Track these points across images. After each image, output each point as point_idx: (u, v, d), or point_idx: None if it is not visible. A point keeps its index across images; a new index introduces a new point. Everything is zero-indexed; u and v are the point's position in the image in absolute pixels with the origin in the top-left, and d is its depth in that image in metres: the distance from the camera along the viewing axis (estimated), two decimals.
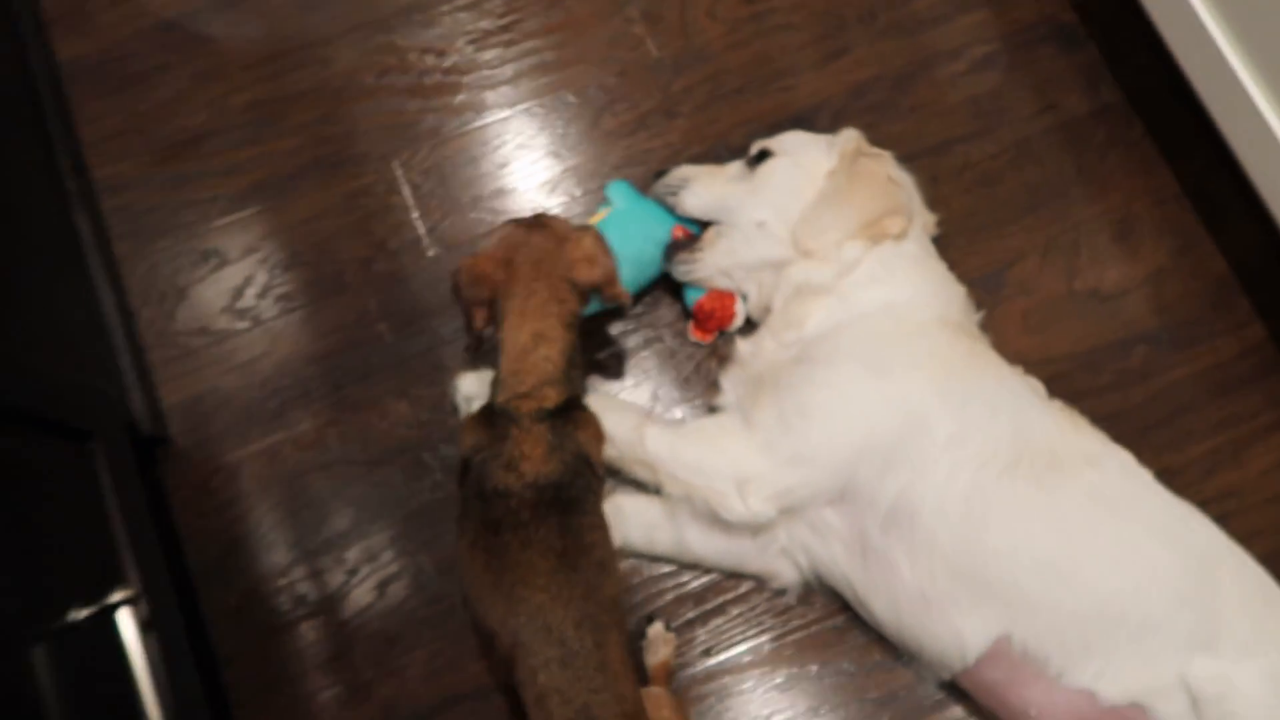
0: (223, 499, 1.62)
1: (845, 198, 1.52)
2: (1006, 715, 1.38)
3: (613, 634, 1.11)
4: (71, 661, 1.09)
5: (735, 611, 1.56)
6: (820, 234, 1.51)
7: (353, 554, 1.59)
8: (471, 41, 1.85)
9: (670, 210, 1.64)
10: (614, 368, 1.68)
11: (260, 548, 1.60)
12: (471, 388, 1.60)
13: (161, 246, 1.74)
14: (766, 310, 1.58)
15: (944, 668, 1.41)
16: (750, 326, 1.63)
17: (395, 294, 1.71)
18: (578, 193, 1.77)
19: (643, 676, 1.47)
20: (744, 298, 1.63)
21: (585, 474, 1.23)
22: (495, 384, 1.25)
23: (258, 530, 1.60)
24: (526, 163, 1.79)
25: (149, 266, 1.73)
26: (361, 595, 1.57)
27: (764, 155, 1.60)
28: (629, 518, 1.54)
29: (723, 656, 1.54)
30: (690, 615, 1.56)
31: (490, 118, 1.81)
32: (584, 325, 1.62)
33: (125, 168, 1.77)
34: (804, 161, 1.57)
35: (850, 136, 1.59)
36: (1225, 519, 1.53)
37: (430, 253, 1.74)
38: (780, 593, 1.55)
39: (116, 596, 1.14)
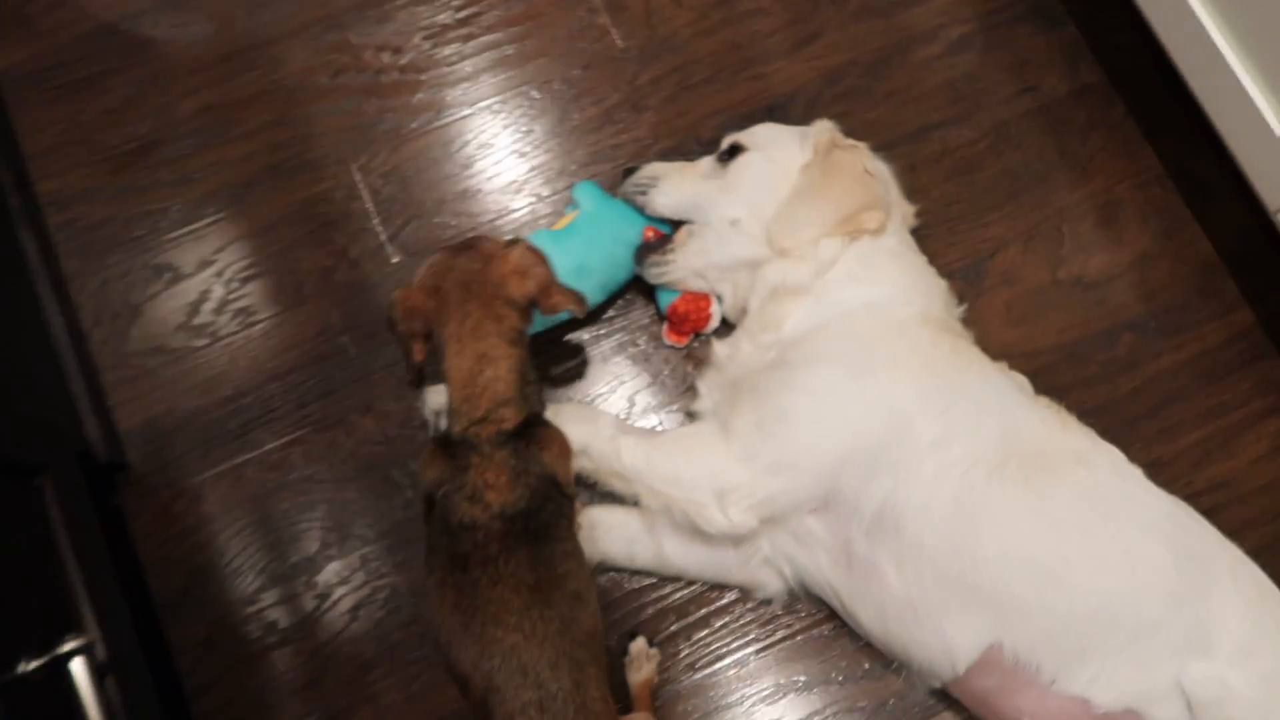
0: (186, 525, 1.56)
1: (820, 193, 1.47)
2: None
3: (591, 670, 1.06)
4: (20, 718, 1.03)
5: (719, 623, 1.52)
6: (796, 231, 1.46)
7: (323, 577, 1.54)
8: (428, 37, 1.77)
9: (640, 210, 1.58)
10: (587, 374, 1.62)
11: (227, 574, 1.54)
12: (441, 401, 1.53)
13: (112, 262, 1.67)
14: (743, 311, 1.53)
15: (934, 677, 1.37)
16: (727, 328, 1.58)
17: (358, 305, 1.65)
18: (545, 192, 1.71)
19: (625, 695, 1.43)
20: (719, 299, 1.58)
21: (554, 496, 1.18)
22: (450, 415, 1.19)
23: (224, 556, 1.55)
24: (490, 162, 1.72)
25: (100, 284, 1.66)
26: (334, 620, 1.52)
27: (735, 150, 1.54)
28: (607, 531, 1.49)
29: (708, 670, 1.50)
30: (673, 629, 1.52)
31: (451, 116, 1.74)
32: (550, 335, 1.58)
33: (71, 181, 1.70)
34: (777, 156, 1.52)
35: (824, 128, 1.53)
36: (1217, 511, 1.51)
37: (394, 259, 1.68)
38: (765, 602, 1.51)
39: (70, 645, 1.07)
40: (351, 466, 1.58)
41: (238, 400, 1.61)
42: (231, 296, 1.66)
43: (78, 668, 1.08)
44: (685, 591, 1.52)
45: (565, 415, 1.47)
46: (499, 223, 1.69)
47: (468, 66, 1.77)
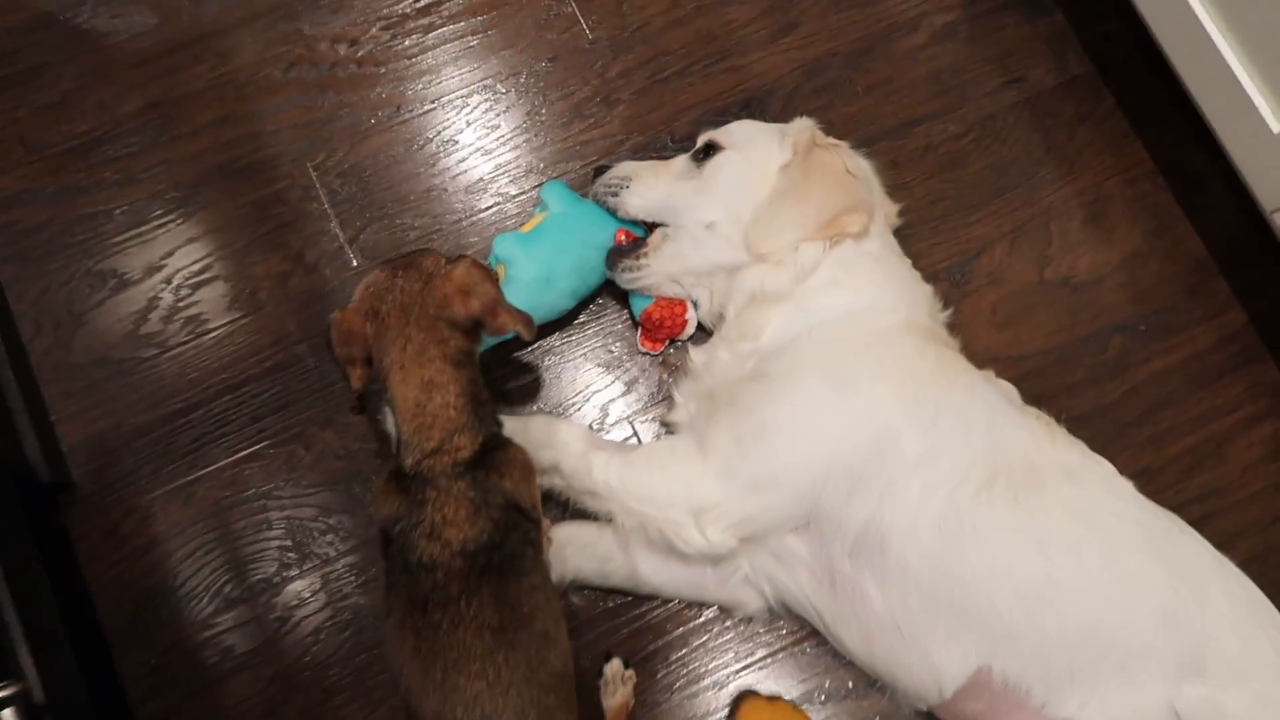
0: (135, 546, 1.49)
1: (800, 195, 1.40)
2: None
3: (561, 718, 1.00)
4: None
5: (697, 642, 1.46)
6: (774, 236, 1.40)
7: (282, 599, 1.47)
8: (387, 27, 1.68)
9: (611, 212, 1.51)
10: (557, 383, 1.55)
11: (180, 598, 1.47)
12: None
13: (53, 269, 1.58)
14: (720, 317, 1.47)
15: (921, 700, 1.33)
16: (705, 332, 1.52)
17: (316, 312, 1.57)
18: (512, 191, 1.63)
19: (601, 719, 1.38)
20: (695, 304, 1.51)
21: (519, 524, 1.12)
22: (400, 446, 1.12)
23: (176, 579, 1.48)
24: (454, 160, 1.64)
25: (40, 291, 1.57)
26: (295, 644, 1.46)
27: (711, 149, 1.47)
28: (579, 549, 1.44)
29: (686, 691, 1.44)
30: (650, 649, 1.46)
31: (412, 112, 1.66)
32: (516, 342, 1.51)
33: (7, 182, 1.60)
34: (755, 155, 1.45)
35: (804, 126, 1.46)
36: (1208, 519, 1.48)
37: (354, 263, 1.60)
38: (745, 620, 1.45)
39: (1, 693, 1.01)
40: (311, 482, 1.51)
41: (189, 414, 1.53)
42: (181, 304, 1.57)
43: (8, 718, 1.01)
44: (662, 610, 1.47)
45: (534, 429, 1.41)
46: (464, 224, 1.61)
47: (429, 59, 1.68)
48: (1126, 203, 1.65)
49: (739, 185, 1.44)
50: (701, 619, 1.47)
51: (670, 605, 1.47)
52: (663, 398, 1.54)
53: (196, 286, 1.58)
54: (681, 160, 1.50)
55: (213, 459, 1.51)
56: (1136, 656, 1.22)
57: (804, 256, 1.39)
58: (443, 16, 1.69)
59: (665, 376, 1.55)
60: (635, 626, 1.46)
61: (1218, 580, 1.28)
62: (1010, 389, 1.41)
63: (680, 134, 1.65)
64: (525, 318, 1.18)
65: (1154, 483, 1.50)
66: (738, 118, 1.64)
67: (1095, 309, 1.60)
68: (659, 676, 1.45)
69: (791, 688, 1.44)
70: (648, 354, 1.56)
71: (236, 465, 1.51)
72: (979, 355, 1.45)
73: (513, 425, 1.42)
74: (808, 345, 1.35)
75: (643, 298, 1.51)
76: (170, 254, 1.59)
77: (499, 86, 1.67)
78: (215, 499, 1.50)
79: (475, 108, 1.66)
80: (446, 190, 1.63)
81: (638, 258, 1.48)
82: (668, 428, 1.50)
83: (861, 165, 1.48)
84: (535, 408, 1.54)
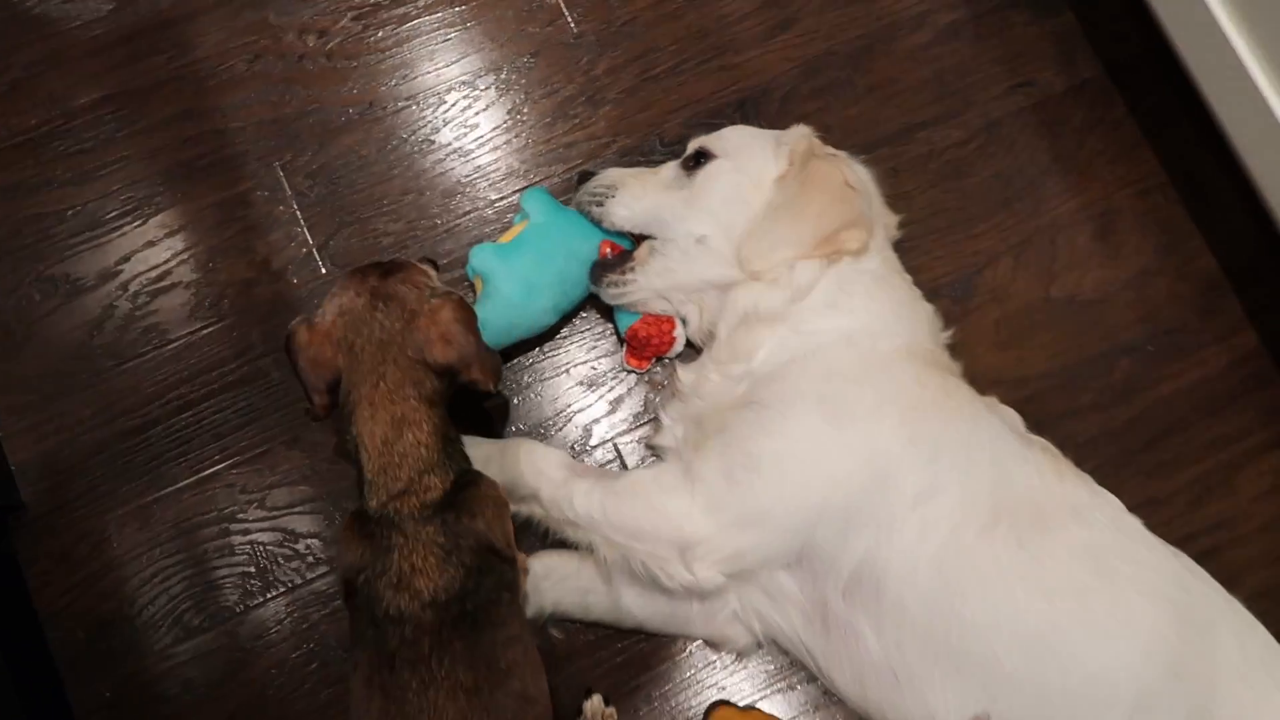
0: (89, 571, 1.41)
1: (797, 210, 1.32)
2: None
3: None
4: None
5: (682, 677, 1.40)
6: (769, 253, 1.32)
7: (245, 629, 1.40)
8: (359, 18, 1.59)
9: (596, 222, 1.42)
10: (537, 400, 1.47)
11: (136, 626, 1.40)
12: None
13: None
14: (710, 335, 1.40)
15: None
16: (694, 349, 1.44)
17: (282, 322, 1.45)
18: (491, 195, 1.54)
19: None
20: (684, 321, 1.43)
21: (493, 567, 1.05)
22: (365, 485, 1.04)
23: (132, 606, 1.40)
24: (430, 162, 1.55)
25: None
26: (257, 677, 1.39)
27: (703, 157, 1.39)
28: (559, 581, 1.37)
29: None
30: (633, 684, 1.39)
31: (385, 110, 1.57)
32: None
33: None
34: (748, 165, 1.37)
35: (801, 135, 1.38)
36: (1216, 552, 1.43)
37: (323, 271, 1.51)
38: (734, 656, 1.39)
39: None
40: (276, 504, 1.44)
41: (147, 431, 1.45)
42: (139, 312, 1.49)
43: None
44: (645, 644, 1.40)
45: (511, 454, 1.34)
46: (440, 230, 1.52)
47: (404, 52, 1.59)
48: (1136, 216, 1.57)
49: (732, 197, 1.36)
50: (687, 653, 1.40)
51: (654, 639, 1.40)
52: (649, 418, 1.47)
53: (155, 294, 1.49)
54: (671, 168, 1.42)
55: (172, 479, 1.44)
56: (1143, 708, 1.16)
57: (800, 275, 1.31)
58: (418, 7, 1.59)
59: (652, 396, 1.48)
60: (617, 661, 1.39)
61: (1228, 626, 1.22)
62: (1014, 416, 1.34)
63: (670, 137, 1.56)
64: (495, 374, 1.12)
65: (1160, 513, 1.43)
66: (731, 119, 1.56)
67: (1102, 328, 1.52)
68: (641, 714, 1.38)
69: None
70: (633, 372, 1.49)
71: (197, 485, 1.44)
72: (981, 377, 1.38)
73: (488, 450, 1.34)
74: (803, 371, 1.28)
75: (629, 314, 1.43)
76: (127, 259, 1.50)
77: (478, 83, 1.58)
78: (174, 521, 1.43)
79: (452, 105, 1.57)
80: (422, 194, 1.54)
81: (623, 272, 1.40)
82: (654, 451, 1.43)
83: (861, 175, 1.40)
84: (513, 428, 1.46)
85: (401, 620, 0.98)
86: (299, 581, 1.41)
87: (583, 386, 1.48)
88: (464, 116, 1.57)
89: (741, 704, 1.39)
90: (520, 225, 1.42)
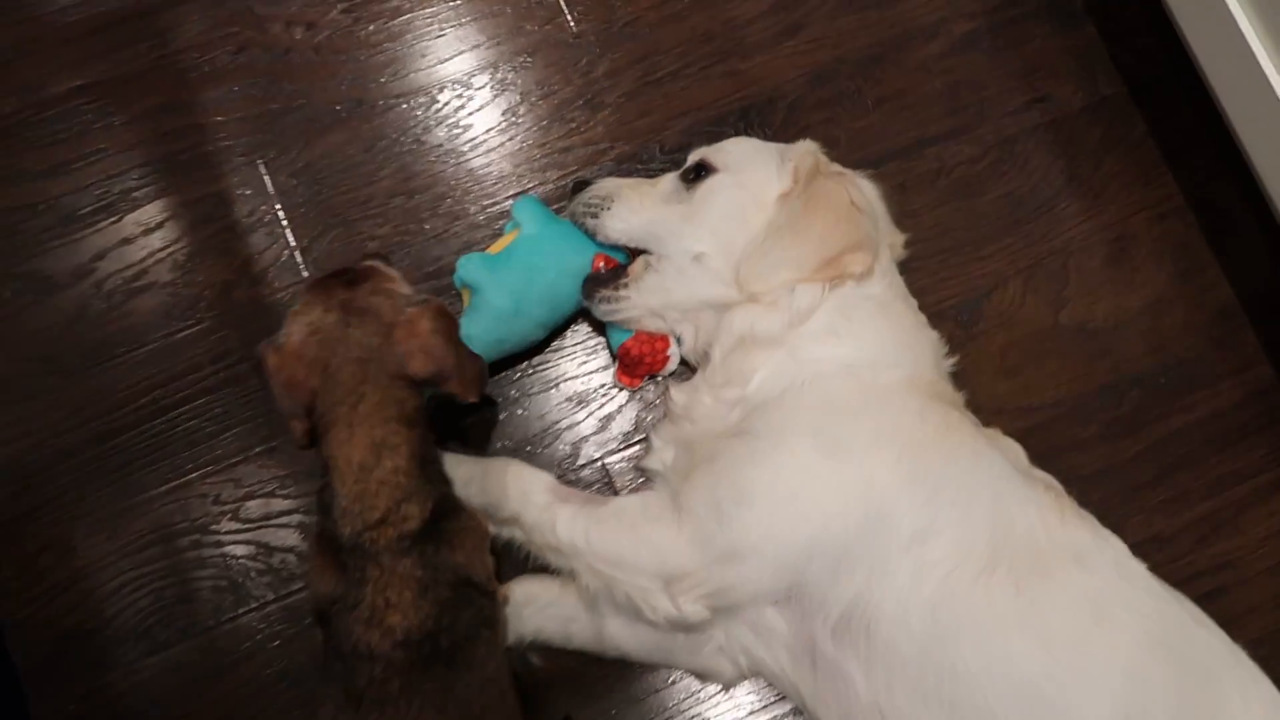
0: (54, 581, 1.37)
1: (800, 230, 1.27)
2: None
3: None
4: None
5: (665, 708, 1.36)
6: (769, 274, 1.26)
7: (215, 644, 1.37)
8: (349, 10, 1.52)
9: (590, 235, 1.36)
10: (524, 417, 1.42)
11: (103, 640, 1.35)
12: None
13: None
14: (705, 357, 1.35)
15: None
16: (688, 367, 1.39)
17: (262, 327, 1.43)
18: (483, 200, 1.49)
19: None
20: (678, 340, 1.37)
21: (471, 602, 1.01)
22: (338, 512, 0.99)
23: (99, 618, 1.36)
24: (420, 164, 1.49)
25: None
26: (226, 694, 1.35)
27: (703, 170, 1.33)
28: (541, 608, 1.32)
29: None
30: (614, 712, 1.35)
31: (374, 107, 1.51)
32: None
33: None
34: (751, 181, 1.31)
35: (807, 150, 1.32)
36: (1220, 594, 1.39)
37: (304, 275, 1.45)
38: (719, 688, 1.35)
39: None
40: (249, 516, 1.39)
41: (117, 436, 1.40)
42: (113, 313, 1.44)
43: None
44: (628, 672, 1.36)
45: (494, 474, 1.29)
46: (428, 236, 1.47)
47: (395, 48, 1.52)
48: (1152, 241, 1.51)
49: (732, 214, 1.30)
50: (670, 682, 1.36)
51: (638, 668, 1.36)
52: (639, 438, 1.42)
53: (130, 295, 1.44)
54: (670, 180, 1.36)
55: (143, 487, 1.39)
56: None
57: (800, 299, 1.26)
58: (410, 2, 1.53)
59: (643, 414, 1.42)
60: (598, 689, 1.35)
61: (1233, 679, 1.18)
62: (1017, 450, 1.29)
63: (671, 144, 1.50)
64: (479, 383, 1.06)
65: (1165, 551, 1.39)
66: (735, 128, 1.50)
67: (1113, 358, 1.47)
68: None
69: None
70: (624, 389, 1.43)
71: (169, 494, 1.39)
72: (985, 406, 1.33)
73: (470, 469, 1.29)
74: (798, 401, 1.23)
75: (622, 330, 1.38)
76: (101, 257, 1.45)
77: (472, 82, 1.52)
78: (145, 531, 1.38)
79: (445, 105, 1.51)
80: (410, 197, 1.48)
81: (617, 288, 1.34)
82: (643, 474, 1.38)
83: (868, 193, 1.35)
84: (499, 444, 1.41)
85: (371, 658, 0.94)
86: (272, 597, 1.36)
87: (572, 403, 1.43)
88: (457, 117, 1.50)
89: None
90: (511, 235, 1.37)
